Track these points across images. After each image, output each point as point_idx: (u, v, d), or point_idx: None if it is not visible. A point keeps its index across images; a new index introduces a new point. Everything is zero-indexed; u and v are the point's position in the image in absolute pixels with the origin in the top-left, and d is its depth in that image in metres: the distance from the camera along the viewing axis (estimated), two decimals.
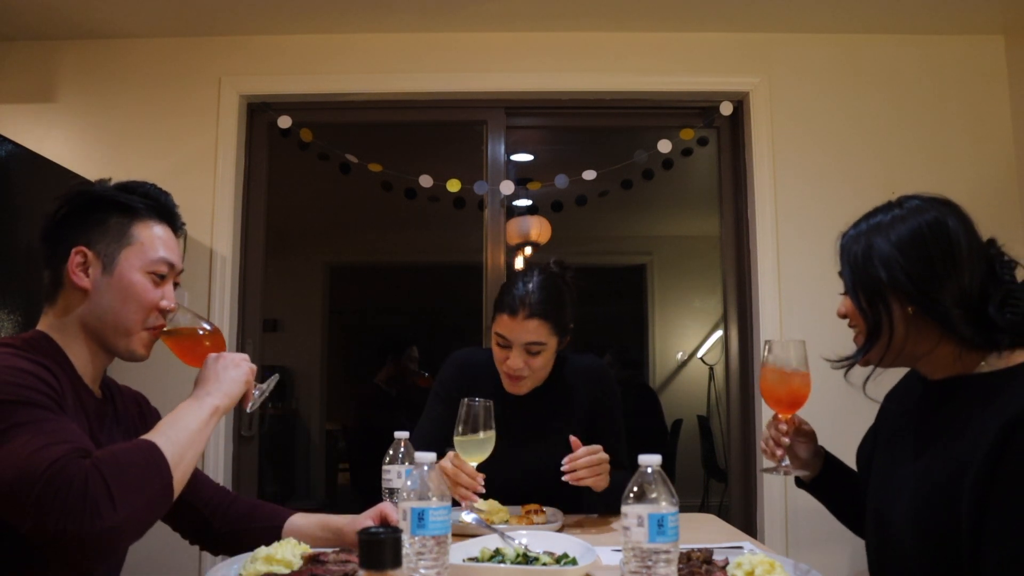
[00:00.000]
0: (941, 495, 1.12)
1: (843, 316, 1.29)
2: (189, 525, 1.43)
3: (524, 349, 1.72)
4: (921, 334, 1.19)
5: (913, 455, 1.22)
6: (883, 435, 1.38)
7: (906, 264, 1.17)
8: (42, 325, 1.26)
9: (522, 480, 1.76)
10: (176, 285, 1.34)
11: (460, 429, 1.53)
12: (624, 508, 0.98)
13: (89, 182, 1.33)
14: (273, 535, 1.36)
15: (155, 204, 1.31)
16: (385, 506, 1.37)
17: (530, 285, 1.74)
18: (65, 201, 1.27)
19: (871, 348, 1.22)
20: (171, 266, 1.30)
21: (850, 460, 1.50)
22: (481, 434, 1.50)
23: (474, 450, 1.52)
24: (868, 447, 1.43)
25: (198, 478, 1.45)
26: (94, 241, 1.25)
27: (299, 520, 1.41)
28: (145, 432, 1.33)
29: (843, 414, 2.75)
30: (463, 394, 1.82)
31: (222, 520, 1.42)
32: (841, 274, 1.28)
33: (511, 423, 1.84)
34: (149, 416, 1.45)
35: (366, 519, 1.35)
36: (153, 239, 1.28)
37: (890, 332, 1.20)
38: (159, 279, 1.29)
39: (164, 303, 1.29)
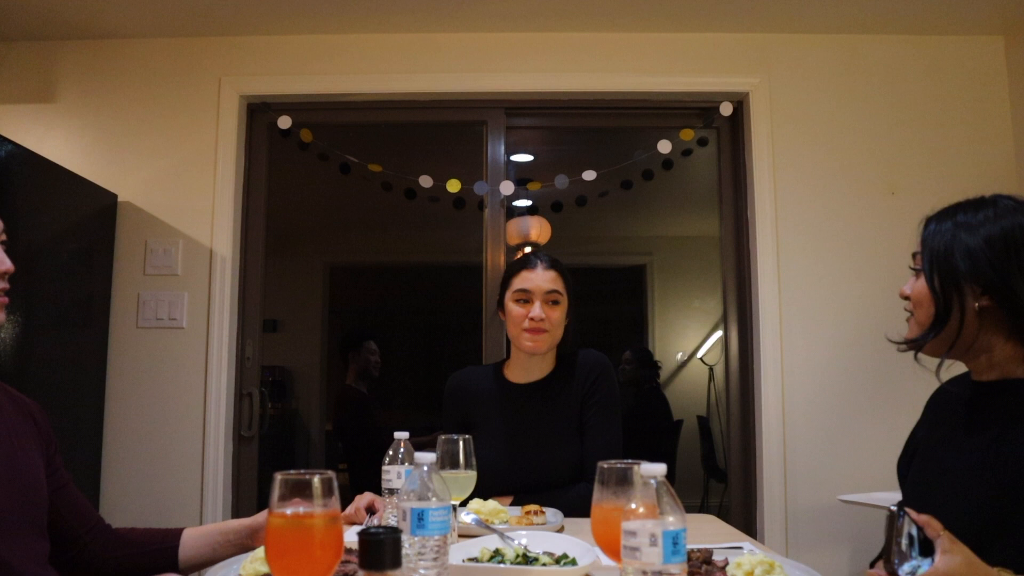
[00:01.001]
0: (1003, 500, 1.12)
1: (905, 297, 1.29)
2: (57, 538, 1.31)
3: (544, 300, 1.86)
4: (991, 330, 1.20)
5: (968, 456, 1.21)
6: (925, 442, 1.36)
7: (992, 257, 1.17)
8: None
9: (524, 469, 1.81)
10: (3, 244, 1.25)
11: (438, 465, 1.46)
12: (627, 525, 0.90)
13: None
14: (169, 556, 1.34)
15: None
16: (369, 495, 1.38)
17: (539, 252, 1.97)
18: None
19: (937, 334, 1.21)
20: None
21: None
22: (461, 472, 1.45)
23: (453, 488, 1.45)
24: (909, 458, 1.42)
25: (70, 490, 1.36)
26: None
27: (194, 532, 1.38)
28: (28, 435, 1.27)
29: (852, 412, 2.76)
30: (468, 411, 1.95)
31: (106, 548, 1.34)
32: (917, 255, 1.26)
33: (515, 414, 1.91)
34: (39, 422, 1.35)
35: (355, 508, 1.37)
36: None
37: (960, 322, 1.19)
38: None
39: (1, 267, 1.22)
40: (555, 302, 1.87)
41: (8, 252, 1.25)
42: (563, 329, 1.91)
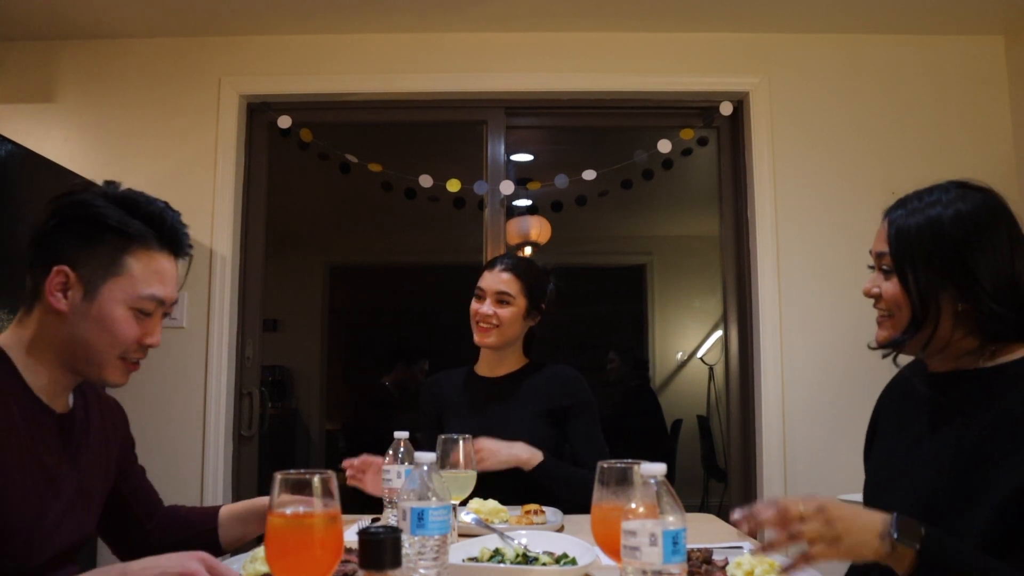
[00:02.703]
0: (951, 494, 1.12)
1: (873, 296, 1.24)
2: (126, 535, 1.39)
3: (495, 298, 1.97)
4: (962, 328, 1.17)
5: (928, 446, 1.21)
6: (886, 431, 1.37)
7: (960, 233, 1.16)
8: (9, 332, 1.19)
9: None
10: (166, 315, 1.24)
11: (439, 465, 1.49)
12: (627, 524, 0.91)
13: (89, 187, 1.20)
14: (211, 536, 1.39)
15: (158, 231, 1.19)
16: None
17: (507, 255, 2.10)
18: (57, 210, 1.17)
19: (914, 336, 1.18)
20: (160, 302, 1.19)
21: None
22: (460, 472, 1.47)
23: (454, 487, 1.45)
24: (869, 444, 1.42)
25: (143, 485, 1.42)
26: (80, 262, 1.14)
27: (229, 512, 1.42)
28: (111, 446, 1.30)
29: (844, 409, 2.76)
30: (440, 407, 2.05)
31: (160, 532, 1.40)
32: (885, 256, 1.22)
33: (483, 404, 2.01)
34: (119, 427, 1.39)
35: None
36: (147, 272, 1.17)
37: (935, 324, 1.16)
38: (143, 315, 1.18)
39: (148, 339, 1.19)
40: (505, 302, 1.97)
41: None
42: (518, 327, 2.00)
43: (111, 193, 1.19)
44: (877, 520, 1.01)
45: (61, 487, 1.18)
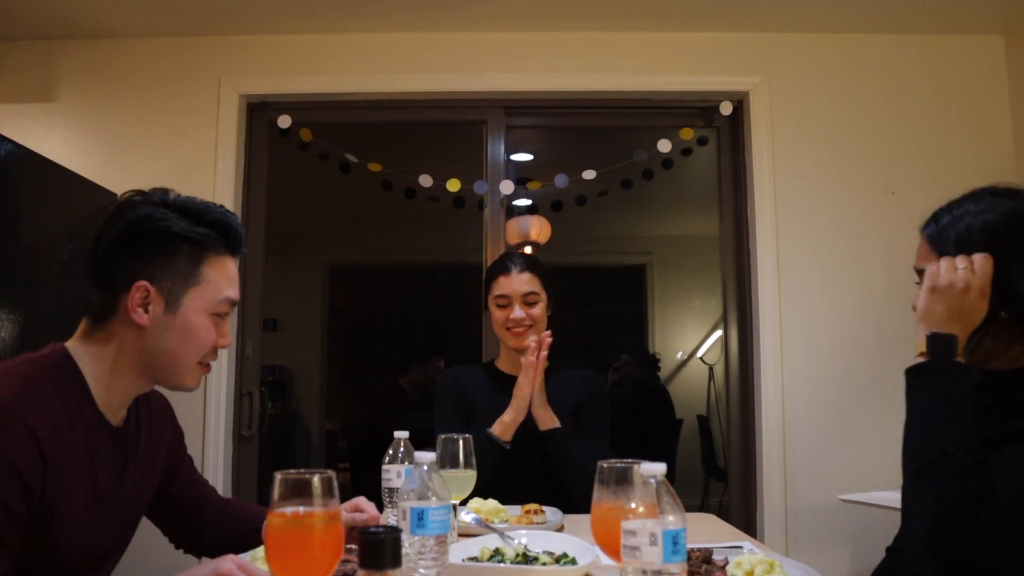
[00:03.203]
0: None
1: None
2: (179, 531, 1.44)
3: (523, 301, 2.00)
4: (1014, 334, 1.16)
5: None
6: None
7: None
8: (74, 341, 1.20)
9: (525, 449, 1.90)
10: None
11: (439, 464, 1.48)
12: (627, 524, 0.92)
13: (145, 198, 1.20)
14: (259, 535, 1.37)
15: (225, 236, 1.22)
16: (359, 500, 1.40)
17: (514, 254, 2.12)
18: (125, 226, 1.17)
19: (974, 348, 1.18)
20: (233, 303, 1.24)
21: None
22: (460, 471, 1.47)
23: (454, 486, 1.45)
24: None
25: (191, 481, 1.46)
26: (159, 276, 1.16)
27: None
28: (157, 457, 1.32)
29: (850, 413, 2.76)
30: (464, 397, 2.04)
31: (212, 525, 1.42)
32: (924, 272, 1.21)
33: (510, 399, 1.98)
34: (166, 429, 1.41)
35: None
36: (220, 278, 1.20)
37: (984, 333, 1.16)
38: (220, 318, 1.22)
39: (222, 341, 1.23)
40: (533, 302, 2.01)
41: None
42: (545, 321, 2.04)
43: (171, 203, 1.20)
44: (942, 323, 1.16)
45: (109, 502, 1.20)
